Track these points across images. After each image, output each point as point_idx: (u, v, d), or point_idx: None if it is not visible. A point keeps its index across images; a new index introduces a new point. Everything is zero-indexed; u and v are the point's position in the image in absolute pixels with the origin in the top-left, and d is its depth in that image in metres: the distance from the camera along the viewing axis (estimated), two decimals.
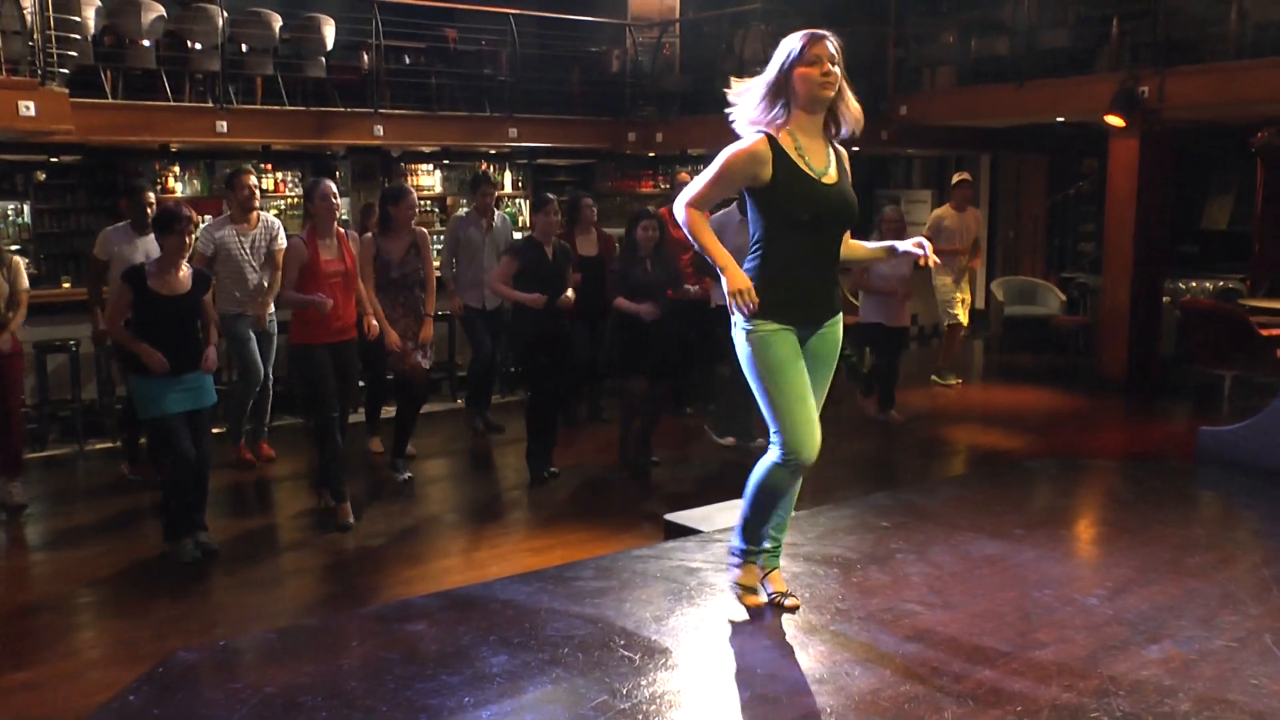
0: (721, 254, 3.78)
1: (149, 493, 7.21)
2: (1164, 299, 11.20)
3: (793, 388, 3.83)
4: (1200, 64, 10.14)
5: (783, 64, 3.76)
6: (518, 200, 14.48)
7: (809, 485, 5.71)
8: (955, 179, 10.83)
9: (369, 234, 7.22)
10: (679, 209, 3.86)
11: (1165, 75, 9.91)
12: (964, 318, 10.78)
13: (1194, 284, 12.19)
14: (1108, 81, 10.28)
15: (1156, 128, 10.38)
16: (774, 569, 4.26)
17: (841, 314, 4.01)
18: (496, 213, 8.82)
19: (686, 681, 3.63)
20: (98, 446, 8.38)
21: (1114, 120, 10.17)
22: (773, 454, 3.92)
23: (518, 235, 11.89)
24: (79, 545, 6.37)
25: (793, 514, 4.29)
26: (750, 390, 8.60)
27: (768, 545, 4.21)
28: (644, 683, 3.58)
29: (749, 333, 3.85)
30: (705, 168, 3.89)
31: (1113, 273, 10.85)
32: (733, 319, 3.91)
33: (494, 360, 8.84)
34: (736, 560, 4.26)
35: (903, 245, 4.00)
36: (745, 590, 4.23)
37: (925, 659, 3.76)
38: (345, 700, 3.50)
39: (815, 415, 3.88)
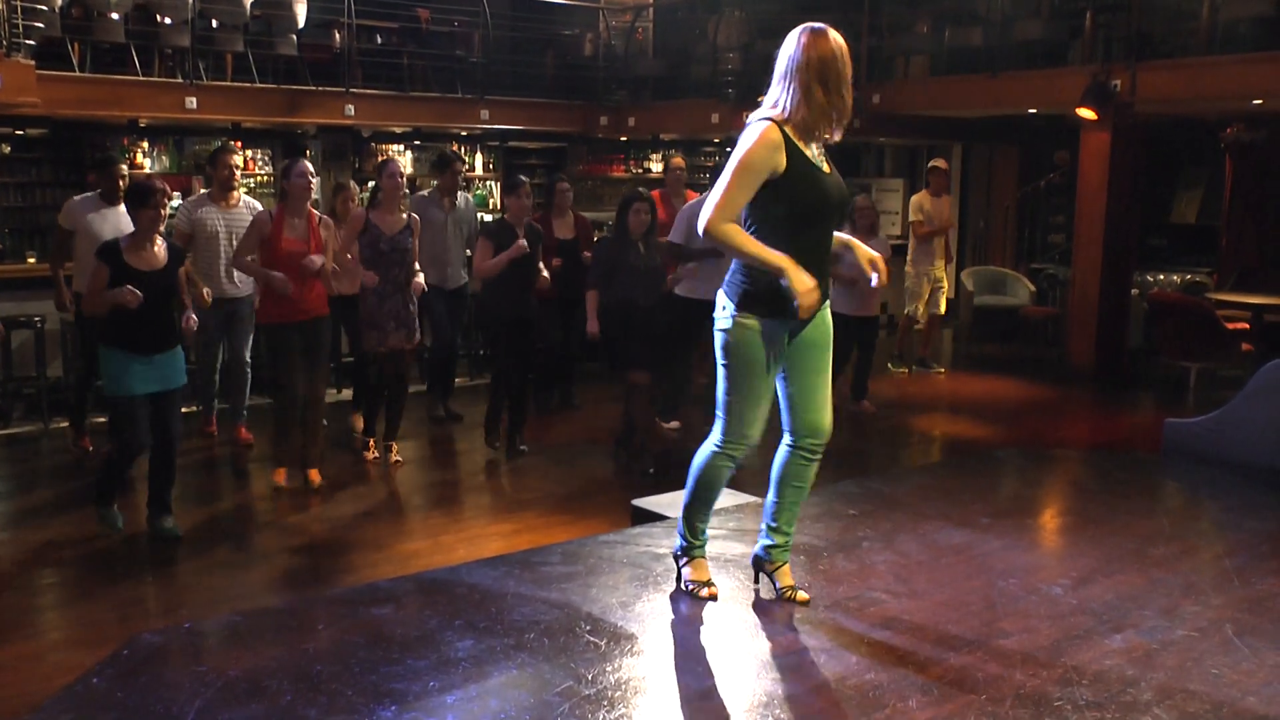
0: (778, 257, 3.62)
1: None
2: (1132, 291, 11.28)
3: (754, 391, 3.84)
4: (1172, 59, 10.20)
5: (807, 64, 3.65)
6: (489, 182, 14.42)
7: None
8: (931, 164, 10.92)
9: (360, 209, 7.20)
10: (709, 229, 3.69)
11: (1138, 69, 9.96)
12: (941, 306, 10.88)
13: (1162, 277, 12.29)
14: (1080, 74, 10.32)
15: (1128, 121, 10.43)
16: (783, 564, 4.15)
17: (829, 300, 3.94)
18: (460, 193, 8.74)
19: (652, 668, 3.63)
20: (62, 425, 8.28)
21: (1086, 113, 10.22)
22: (712, 440, 3.95)
23: (486, 217, 11.86)
24: (42, 525, 6.30)
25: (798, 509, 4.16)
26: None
27: (775, 541, 4.12)
28: (609, 669, 3.57)
29: (736, 323, 3.80)
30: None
31: (1082, 264, 10.92)
32: (720, 304, 3.86)
33: (454, 343, 8.80)
34: (683, 559, 4.20)
35: (863, 254, 3.98)
36: (699, 585, 4.16)
37: (891, 647, 3.78)
38: (310, 684, 3.48)
39: (764, 418, 3.90)
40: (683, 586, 4.20)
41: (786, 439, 4.06)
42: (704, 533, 4.17)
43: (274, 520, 6.40)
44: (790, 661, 3.68)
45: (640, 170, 15.20)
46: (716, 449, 3.94)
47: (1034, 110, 11.74)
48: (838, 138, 3.79)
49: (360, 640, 3.84)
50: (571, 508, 6.61)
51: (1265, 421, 6.31)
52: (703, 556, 4.20)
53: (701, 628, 3.98)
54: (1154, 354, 11.02)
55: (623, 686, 3.46)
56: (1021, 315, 12.73)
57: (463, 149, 14.05)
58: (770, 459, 4.10)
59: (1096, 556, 4.80)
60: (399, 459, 7.40)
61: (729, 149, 14.14)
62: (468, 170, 14.03)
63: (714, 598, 4.13)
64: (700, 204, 7.91)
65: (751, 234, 3.74)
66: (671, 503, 5.61)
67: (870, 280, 3.97)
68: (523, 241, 7.16)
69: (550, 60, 14.17)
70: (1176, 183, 13.73)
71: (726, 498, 5.75)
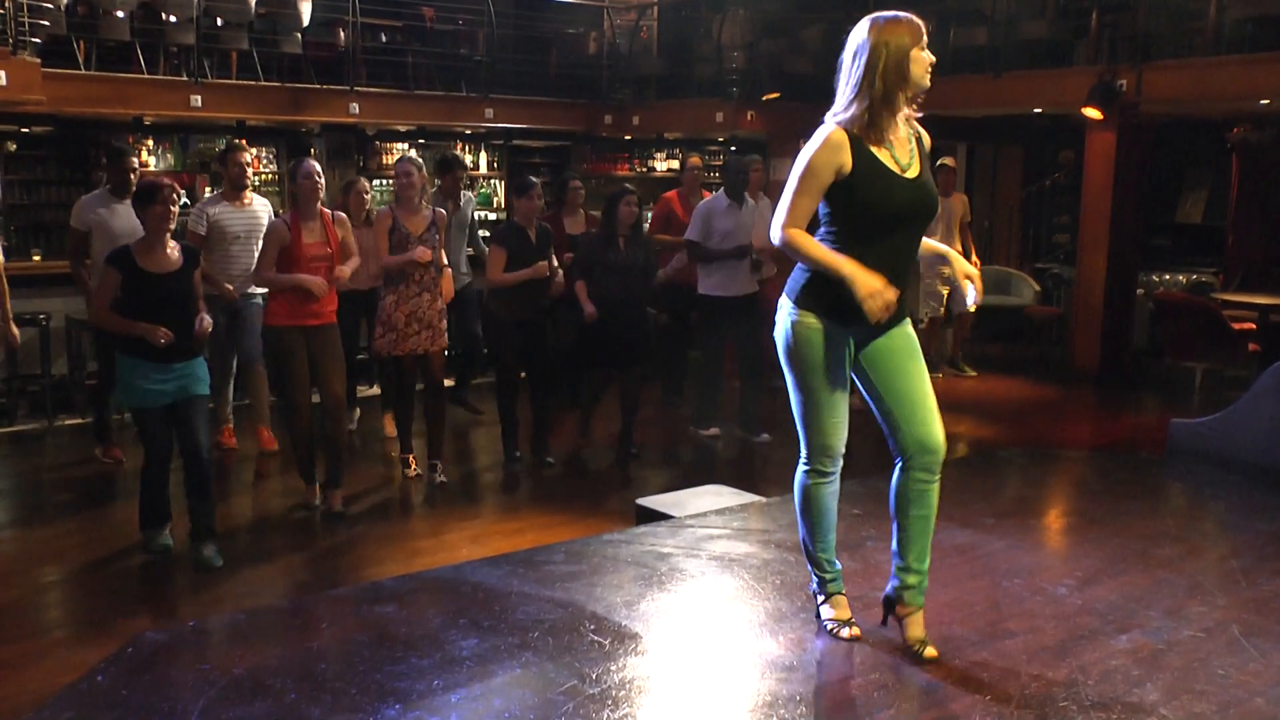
0: (841, 262, 3.45)
1: (119, 471, 7.17)
2: (1137, 291, 11.26)
3: (822, 392, 3.64)
4: (1178, 58, 10.17)
5: (869, 60, 3.52)
6: (493, 181, 14.41)
7: (781, 471, 5.69)
8: (939, 163, 10.87)
9: (384, 208, 7.14)
10: (779, 238, 3.54)
11: (1143, 69, 9.93)
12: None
13: (1167, 277, 12.26)
14: (1086, 74, 10.30)
15: (1133, 121, 10.41)
16: (916, 610, 3.74)
17: (909, 319, 3.74)
18: (463, 192, 8.74)
19: (656, 667, 3.63)
20: (67, 422, 8.30)
21: (1091, 113, 10.20)
22: (800, 463, 3.78)
23: (490, 216, 11.84)
24: (47, 523, 6.31)
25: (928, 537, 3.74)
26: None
27: (910, 580, 3.71)
28: (613, 668, 3.57)
29: (795, 323, 3.62)
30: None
31: (1087, 264, 10.89)
32: (781, 304, 3.70)
33: (475, 340, 8.82)
34: (820, 599, 3.93)
35: (960, 267, 3.82)
36: (840, 624, 3.85)
37: (895, 647, 3.77)
38: (314, 682, 3.48)
39: (843, 427, 3.70)
40: (825, 626, 3.88)
41: (898, 462, 3.70)
42: (833, 565, 3.87)
43: (278, 519, 6.40)
44: (795, 661, 3.68)
45: (645, 169, 15.18)
46: (805, 469, 3.75)
47: (1039, 110, 11.72)
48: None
49: (364, 639, 3.85)
50: (575, 506, 6.60)
51: (1271, 422, 6.29)
52: (840, 592, 3.90)
53: (705, 627, 3.97)
54: (1159, 354, 10.99)
55: (626, 686, 3.46)
56: (1026, 315, 12.70)
57: (466, 147, 14.04)
58: (792, 468, 4.05)
59: (1101, 557, 4.79)
60: (443, 479, 7.00)
61: (733, 148, 14.17)
62: (472, 170, 14.02)
63: (856, 639, 3.81)
64: (715, 201, 7.94)
65: (828, 237, 3.59)
66: (675, 502, 5.61)
67: (968, 296, 3.80)
68: (544, 264, 7.09)
69: (554, 59, 14.16)
70: (1182, 183, 13.70)
71: (730, 497, 5.77)
